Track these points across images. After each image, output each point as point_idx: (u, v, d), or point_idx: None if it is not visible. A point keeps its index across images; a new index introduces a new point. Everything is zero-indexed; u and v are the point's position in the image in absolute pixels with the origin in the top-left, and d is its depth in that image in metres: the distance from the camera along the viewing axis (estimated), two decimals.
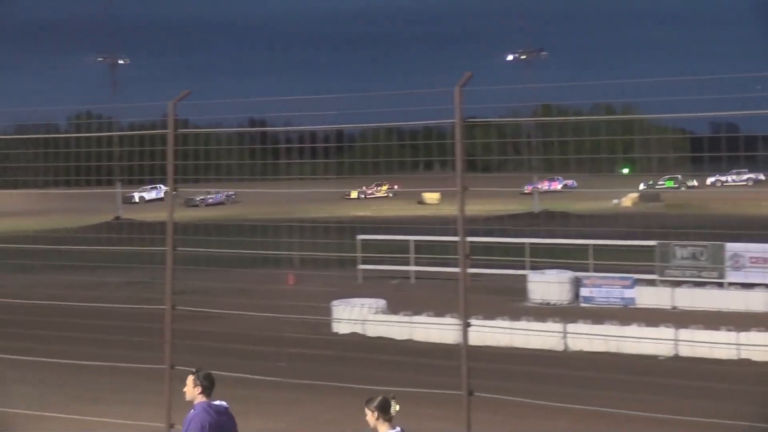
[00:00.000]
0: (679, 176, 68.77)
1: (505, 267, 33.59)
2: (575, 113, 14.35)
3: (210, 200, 72.56)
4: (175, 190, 13.32)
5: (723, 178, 69.57)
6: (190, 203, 70.75)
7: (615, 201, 66.30)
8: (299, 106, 13.64)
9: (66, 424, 14.25)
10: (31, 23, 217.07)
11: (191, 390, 9.53)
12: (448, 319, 23.02)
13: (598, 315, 26.40)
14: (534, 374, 18.82)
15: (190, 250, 13.93)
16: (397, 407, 8.67)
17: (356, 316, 25.48)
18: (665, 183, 72.31)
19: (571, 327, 24.39)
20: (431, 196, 67.92)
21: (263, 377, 13.99)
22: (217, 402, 9.61)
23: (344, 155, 16.20)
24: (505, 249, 35.08)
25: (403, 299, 28.09)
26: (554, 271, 31.93)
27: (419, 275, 35.67)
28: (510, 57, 79.52)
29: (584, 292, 30.96)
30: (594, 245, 33.80)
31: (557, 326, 24.47)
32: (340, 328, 25.87)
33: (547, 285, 30.96)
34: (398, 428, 8.69)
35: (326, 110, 13.65)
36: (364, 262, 35.22)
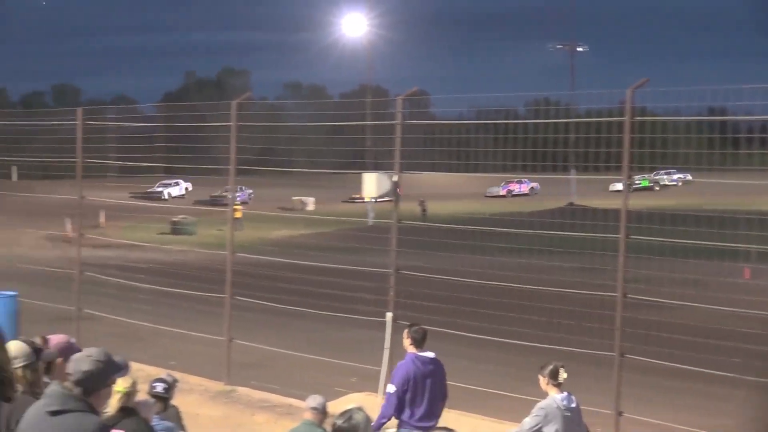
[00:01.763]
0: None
1: None
2: None
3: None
4: (629, 178, 13.28)
5: None
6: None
7: None
8: (763, 94, 13.01)
9: (512, 402, 14.68)
10: (494, 11, 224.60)
11: (405, 342, 11.05)
12: None
13: None
14: None
15: (643, 238, 13.81)
16: (565, 375, 9.95)
17: None
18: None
19: None
20: None
21: (713, 371, 13.62)
22: (424, 353, 10.95)
23: None
24: None
25: None
26: None
27: None
28: None
29: None
30: None
31: None
32: None
33: None
34: (565, 393, 9.97)
35: None
36: None
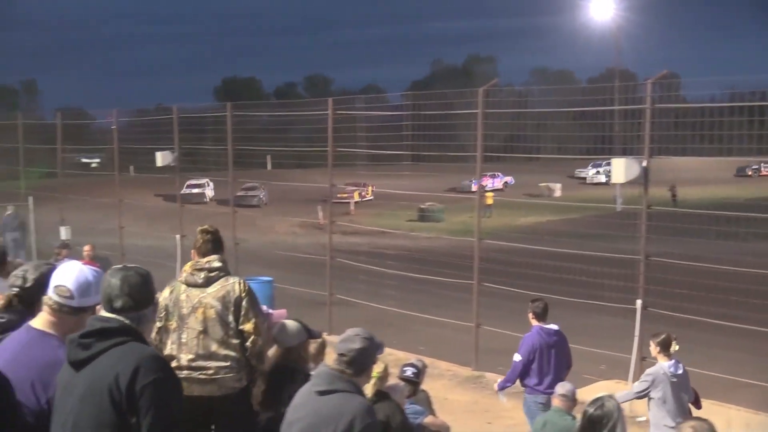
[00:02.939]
0: None
1: None
2: None
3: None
4: None
5: None
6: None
7: None
8: None
9: (761, 392, 14.26)
10: None
11: (529, 315, 12.07)
12: None
13: None
14: None
15: None
16: (677, 347, 10.61)
17: None
18: None
19: None
20: None
21: None
22: (548, 325, 12.00)
23: None
24: None
25: None
26: None
27: None
28: None
29: None
30: None
31: None
32: None
33: None
34: (673, 360, 10.67)
35: None
36: None
